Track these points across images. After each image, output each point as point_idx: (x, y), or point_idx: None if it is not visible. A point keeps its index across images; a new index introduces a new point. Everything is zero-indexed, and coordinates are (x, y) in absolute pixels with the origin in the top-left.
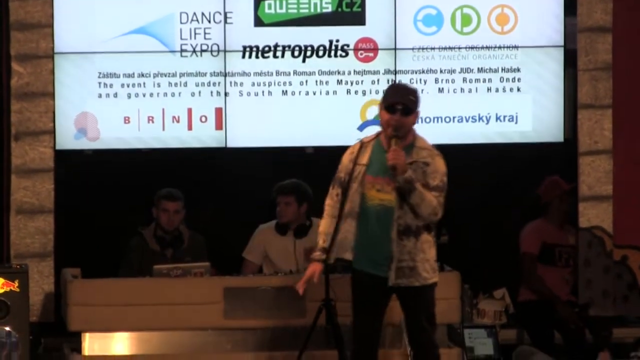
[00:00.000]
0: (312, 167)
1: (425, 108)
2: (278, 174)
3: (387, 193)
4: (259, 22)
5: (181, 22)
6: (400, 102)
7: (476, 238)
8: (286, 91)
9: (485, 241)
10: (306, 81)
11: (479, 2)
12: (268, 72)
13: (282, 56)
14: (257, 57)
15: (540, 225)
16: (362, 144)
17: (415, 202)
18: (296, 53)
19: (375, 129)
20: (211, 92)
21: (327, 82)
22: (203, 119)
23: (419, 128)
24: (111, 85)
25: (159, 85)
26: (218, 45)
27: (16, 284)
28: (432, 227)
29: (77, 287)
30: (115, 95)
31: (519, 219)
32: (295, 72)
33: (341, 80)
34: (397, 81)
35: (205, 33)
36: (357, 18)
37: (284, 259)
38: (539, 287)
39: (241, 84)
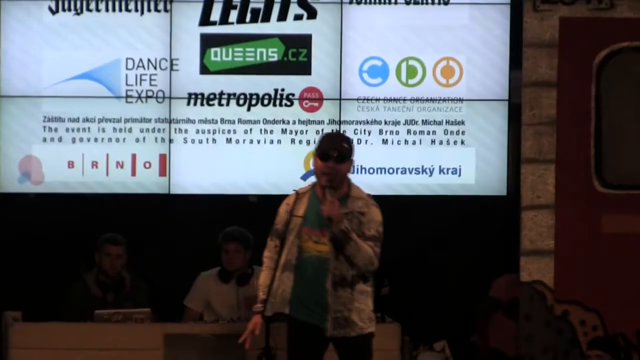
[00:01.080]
0: (255, 215)
1: (368, 159)
2: (221, 222)
3: (323, 244)
4: (205, 69)
5: (127, 68)
6: (333, 149)
7: (418, 290)
8: (231, 139)
9: (426, 293)
10: (251, 129)
11: (424, 55)
12: (213, 120)
13: (227, 104)
14: (202, 104)
15: (515, 280)
16: (298, 195)
17: (351, 253)
18: (241, 101)
19: None
20: (155, 139)
21: (271, 131)
22: (147, 165)
23: (363, 178)
24: (56, 130)
25: (103, 130)
26: (163, 92)
27: None
28: (369, 276)
29: (18, 331)
30: (60, 139)
31: (463, 271)
32: (240, 121)
33: (286, 130)
34: (341, 131)
35: (150, 79)
36: (303, 68)
37: (225, 307)
38: (480, 324)
39: (186, 130)
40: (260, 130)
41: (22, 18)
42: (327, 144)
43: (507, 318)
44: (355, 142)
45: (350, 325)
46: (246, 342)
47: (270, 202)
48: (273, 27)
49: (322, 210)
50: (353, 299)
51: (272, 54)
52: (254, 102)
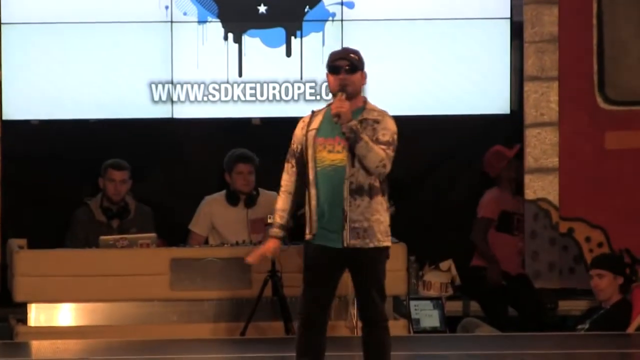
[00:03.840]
0: (259, 138)
1: (370, 79)
2: (225, 145)
3: (338, 153)
4: None
5: None
6: (342, 60)
7: (422, 210)
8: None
9: (431, 213)
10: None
11: None
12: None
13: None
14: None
15: (497, 194)
16: (313, 113)
17: (362, 153)
18: None
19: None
20: (159, 64)
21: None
22: (151, 89)
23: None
24: (58, 56)
25: (107, 55)
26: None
27: None
28: (386, 189)
29: (23, 258)
30: (63, 66)
31: (468, 190)
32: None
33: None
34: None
35: None
36: None
37: (233, 229)
38: (485, 249)
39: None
40: None
41: None
42: (335, 57)
43: (500, 233)
44: None
45: (369, 236)
46: (256, 261)
47: (273, 125)
48: None
49: (331, 109)
50: (372, 209)
51: None
52: None
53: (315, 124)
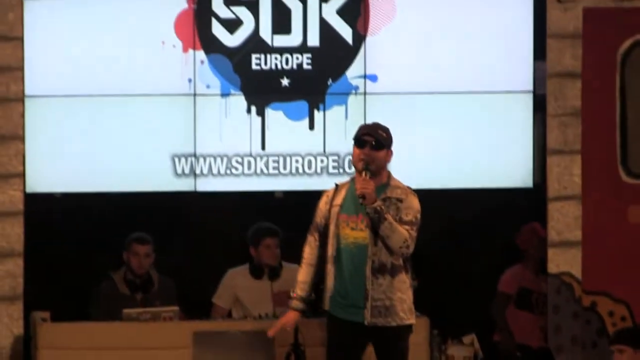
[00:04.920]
0: (281, 211)
1: (394, 152)
2: (248, 218)
3: (361, 231)
4: None
5: None
6: (369, 135)
7: (445, 283)
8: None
9: (454, 286)
10: None
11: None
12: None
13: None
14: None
15: (519, 271)
16: (337, 187)
17: (386, 234)
18: None
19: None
20: (182, 136)
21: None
22: (174, 162)
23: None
24: (81, 129)
25: (130, 128)
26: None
27: None
28: (409, 267)
29: (47, 331)
30: (86, 139)
31: (491, 264)
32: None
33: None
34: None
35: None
36: None
37: (257, 302)
38: (499, 320)
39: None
40: None
41: None
42: (363, 131)
43: (519, 310)
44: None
45: (391, 314)
46: (272, 333)
47: (295, 198)
48: None
49: (355, 189)
50: (394, 287)
51: None
52: None
53: (339, 199)
